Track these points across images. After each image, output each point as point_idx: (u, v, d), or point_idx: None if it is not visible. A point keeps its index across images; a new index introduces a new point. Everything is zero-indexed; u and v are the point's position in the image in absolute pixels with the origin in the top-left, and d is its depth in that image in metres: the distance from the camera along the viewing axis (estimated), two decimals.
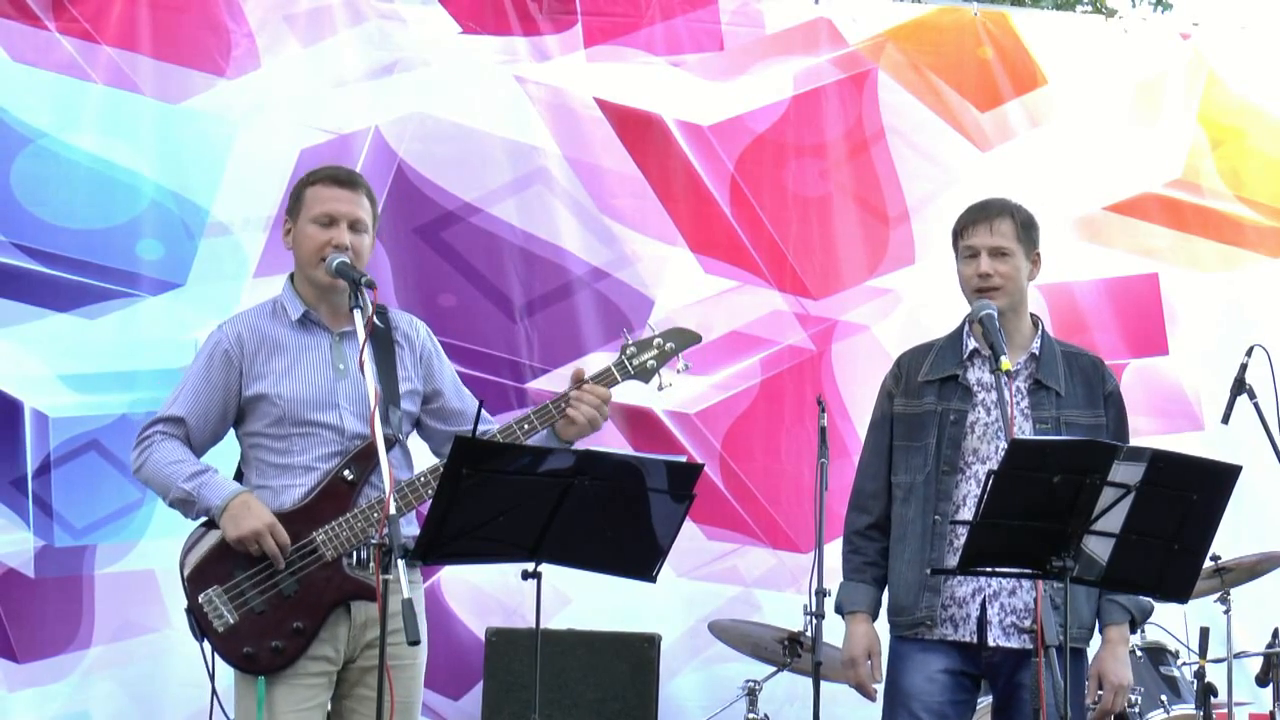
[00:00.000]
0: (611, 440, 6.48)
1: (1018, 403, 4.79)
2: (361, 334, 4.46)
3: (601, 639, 6.40)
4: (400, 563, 4.10)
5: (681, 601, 6.81)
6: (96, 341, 6.58)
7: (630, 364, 4.77)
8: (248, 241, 6.71)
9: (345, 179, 4.81)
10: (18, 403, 6.53)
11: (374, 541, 4.24)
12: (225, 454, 4.84)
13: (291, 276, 4.84)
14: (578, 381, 4.70)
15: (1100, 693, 4.75)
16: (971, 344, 4.87)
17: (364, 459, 4.65)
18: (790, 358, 7.05)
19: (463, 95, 6.97)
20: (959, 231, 4.89)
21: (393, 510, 4.20)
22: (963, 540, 4.65)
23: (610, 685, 6.32)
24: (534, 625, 4.54)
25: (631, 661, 6.35)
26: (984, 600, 4.72)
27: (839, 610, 4.92)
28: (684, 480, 4.51)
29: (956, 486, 4.77)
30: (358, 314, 4.50)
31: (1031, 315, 4.95)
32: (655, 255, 7.03)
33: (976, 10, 7.37)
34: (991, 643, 4.71)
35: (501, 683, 6.26)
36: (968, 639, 4.72)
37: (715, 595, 6.86)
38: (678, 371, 4.80)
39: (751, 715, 6.15)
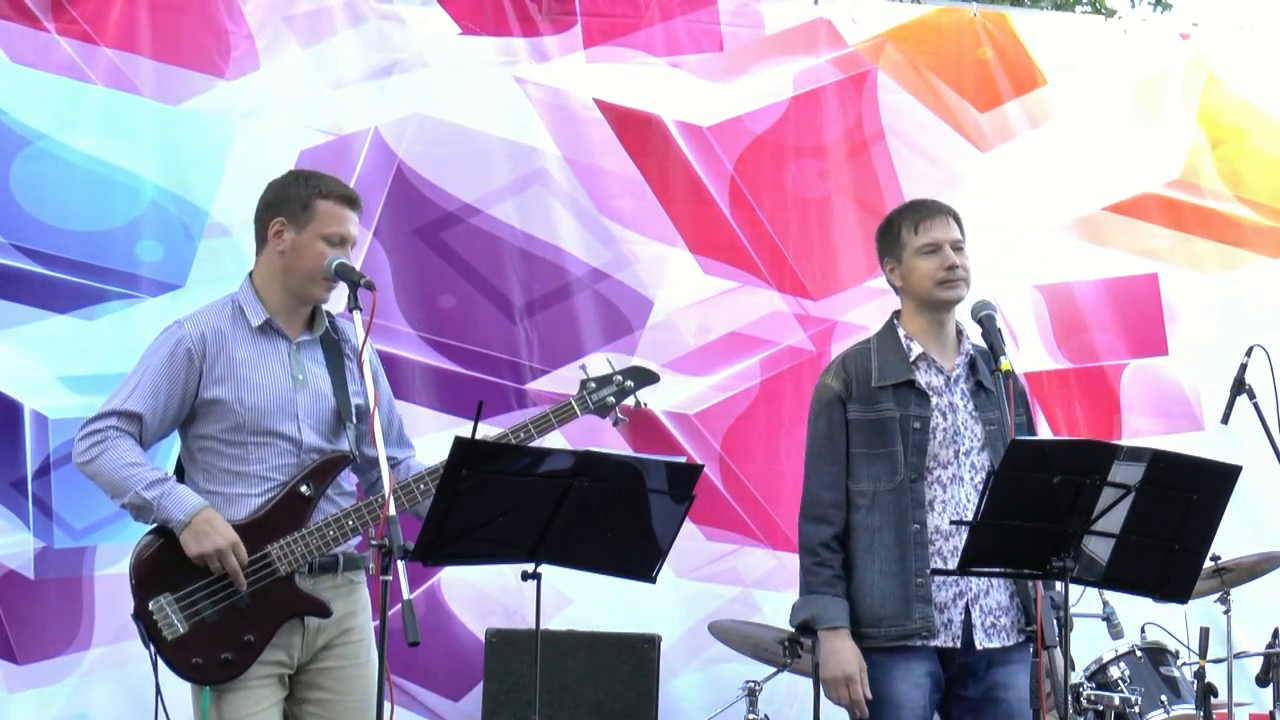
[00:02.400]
0: (611, 441, 6.47)
1: (966, 405, 4.78)
2: (361, 334, 4.46)
3: (601, 639, 6.40)
4: (400, 564, 4.11)
5: (681, 602, 6.81)
6: (96, 343, 6.58)
7: (590, 399, 4.89)
8: (247, 243, 6.61)
9: (356, 199, 4.75)
10: (17, 404, 6.53)
11: (374, 542, 4.23)
12: (164, 448, 4.81)
13: (251, 275, 4.77)
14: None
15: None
16: (916, 348, 4.81)
17: (321, 474, 4.63)
18: (790, 358, 7.05)
19: (462, 96, 6.96)
20: (909, 228, 4.81)
21: (392, 511, 4.21)
22: (938, 547, 4.67)
23: (610, 686, 6.32)
24: (534, 626, 4.54)
25: (631, 662, 6.35)
26: (967, 604, 4.70)
27: (807, 627, 4.77)
28: (684, 481, 4.51)
29: (924, 493, 4.72)
30: (358, 315, 4.48)
31: (955, 320, 4.90)
32: (655, 256, 7.03)
33: (976, 10, 7.37)
34: (979, 646, 4.69)
35: (501, 683, 6.26)
36: (951, 644, 4.68)
37: (715, 596, 6.85)
38: (634, 408, 4.95)
39: (751, 716, 6.14)
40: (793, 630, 4.98)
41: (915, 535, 4.68)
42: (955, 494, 4.71)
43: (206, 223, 6.70)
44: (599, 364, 5.06)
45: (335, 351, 4.73)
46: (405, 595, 4.08)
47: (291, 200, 4.69)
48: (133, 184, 6.67)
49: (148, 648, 4.55)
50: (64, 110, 6.67)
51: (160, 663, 4.54)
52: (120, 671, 6.45)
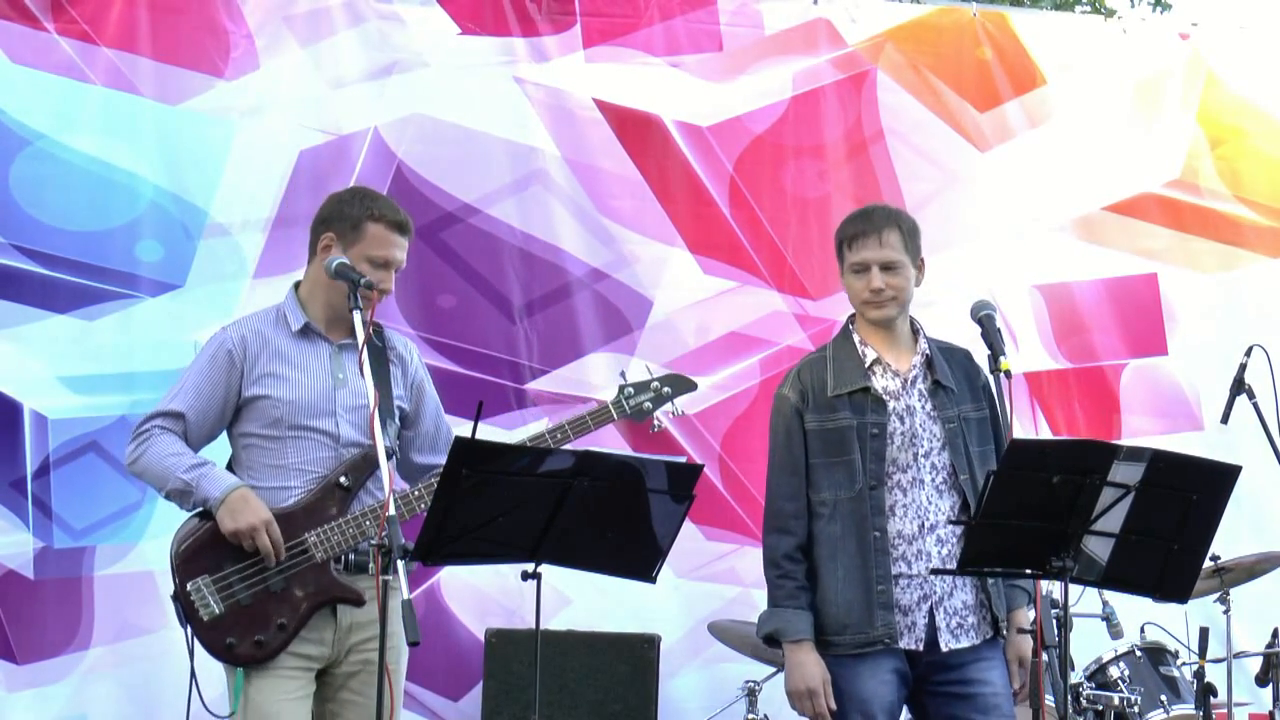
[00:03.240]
0: (611, 441, 6.47)
1: (923, 405, 4.77)
2: (360, 334, 4.47)
3: (601, 640, 6.40)
4: (401, 564, 4.12)
5: (681, 602, 6.82)
6: (96, 343, 6.58)
7: (627, 404, 5.00)
8: (247, 243, 6.71)
9: (405, 225, 4.84)
10: (17, 404, 6.53)
11: (373, 542, 4.25)
12: (216, 454, 4.85)
13: (296, 285, 4.88)
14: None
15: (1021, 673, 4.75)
16: (871, 353, 4.80)
17: (360, 467, 4.72)
18: (790, 358, 7.03)
19: (462, 96, 6.96)
20: (846, 243, 4.80)
21: (392, 511, 4.23)
22: (901, 552, 4.67)
23: (610, 686, 6.32)
24: (534, 626, 4.54)
25: (631, 662, 6.35)
26: (931, 607, 4.69)
27: (773, 639, 4.77)
28: (683, 481, 4.52)
29: (884, 499, 4.71)
30: (357, 314, 4.51)
31: (910, 317, 4.88)
32: (654, 256, 7.03)
33: (975, 10, 7.37)
34: (945, 647, 4.68)
35: (501, 683, 6.27)
36: (914, 646, 4.68)
37: (715, 596, 6.85)
38: (672, 415, 5.08)
39: (751, 716, 6.15)
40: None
41: (875, 542, 4.67)
42: (916, 497, 4.71)
43: (206, 223, 6.71)
44: (638, 369, 5.16)
45: (379, 357, 4.82)
46: (405, 595, 4.10)
47: (344, 218, 4.79)
48: (132, 184, 6.67)
49: (184, 628, 4.66)
50: (64, 110, 6.67)
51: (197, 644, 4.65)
52: (120, 671, 6.47)
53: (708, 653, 6.73)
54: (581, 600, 6.53)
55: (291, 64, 6.86)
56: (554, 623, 6.34)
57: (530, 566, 4.44)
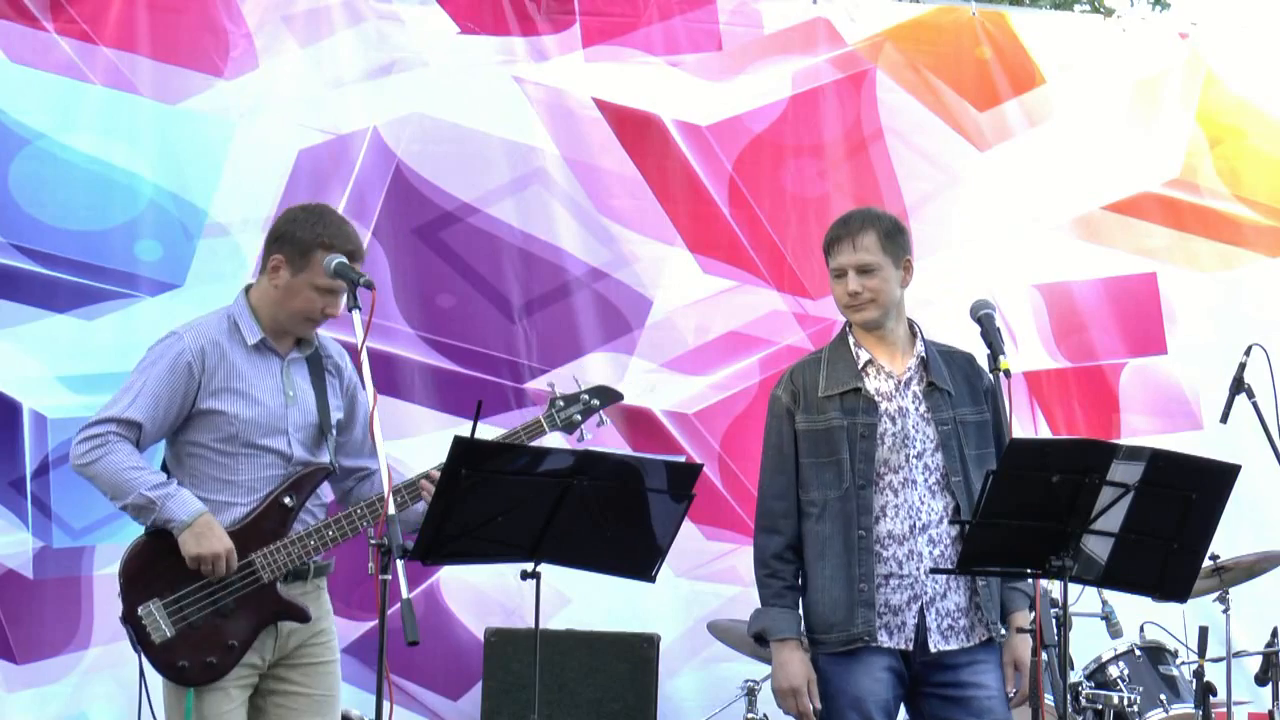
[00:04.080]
0: (611, 440, 6.47)
1: (917, 407, 4.78)
2: (360, 334, 4.47)
3: (601, 639, 6.40)
4: (399, 562, 4.13)
5: (681, 601, 6.82)
6: (95, 342, 6.58)
7: (558, 417, 5.09)
8: (246, 242, 6.71)
9: (357, 254, 4.78)
10: (16, 404, 6.53)
11: (373, 542, 4.26)
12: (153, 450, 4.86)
13: (248, 290, 4.86)
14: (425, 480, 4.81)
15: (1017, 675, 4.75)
16: (864, 354, 4.81)
17: (302, 486, 4.77)
18: (789, 358, 7.01)
19: (461, 95, 6.96)
20: (826, 249, 4.85)
21: (392, 510, 4.24)
22: (891, 552, 4.68)
23: (610, 685, 6.32)
24: (533, 625, 4.54)
25: (631, 661, 6.35)
26: (922, 607, 4.69)
27: (761, 638, 4.80)
28: (683, 480, 4.53)
29: (872, 499, 4.72)
30: (356, 314, 4.51)
31: (908, 320, 4.90)
32: (654, 255, 7.03)
33: (975, 10, 7.36)
34: (934, 649, 4.68)
35: (501, 683, 6.26)
36: (904, 646, 4.68)
37: (714, 595, 6.85)
38: (598, 425, 5.20)
39: (751, 715, 6.15)
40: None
41: (860, 542, 4.68)
42: (908, 497, 4.71)
43: (205, 222, 6.71)
44: (567, 382, 5.26)
45: (318, 367, 4.88)
46: (404, 595, 4.10)
47: (295, 242, 4.76)
48: (131, 183, 6.67)
49: (136, 651, 4.70)
50: (63, 110, 6.68)
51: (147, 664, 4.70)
52: (119, 671, 6.45)
53: (707, 652, 6.74)
54: (581, 600, 6.53)
55: (291, 63, 6.86)
56: (553, 622, 6.35)
57: (529, 566, 4.45)
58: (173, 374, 4.71)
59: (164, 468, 4.83)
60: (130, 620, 4.68)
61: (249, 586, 4.68)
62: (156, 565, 4.67)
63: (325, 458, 4.82)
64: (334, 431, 4.86)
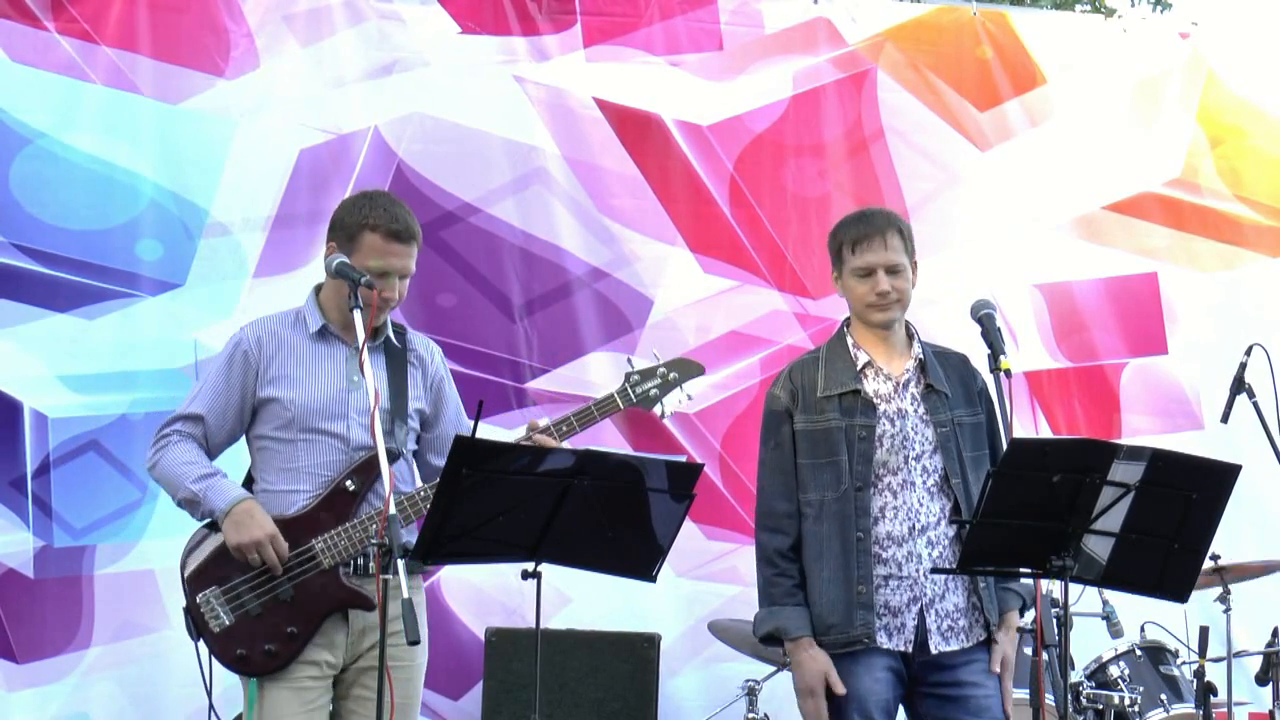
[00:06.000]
0: (611, 440, 6.48)
1: (916, 409, 4.77)
2: (361, 334, 4.48)
3: (601, 639, 6.40)
4: (401, 563, 4.12)
5: (681, 601, 6.82)
6: (96, 342, 6.58)
7: (633, 391, 4.91)
8: (247, 241, 6.71)
9: (404, 233, 4.79)
10: (17, 403, 6.53)
11: (374, 542, 4.25)
12: (237, 461, 4.88)
13: (318, 289, 4.88)
14: (533, 431, 4.76)
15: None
16: (863, 356, 4.80)
17: (367, 470, 4.71)
18: (790, 357, 6.97)
19: (462, 95, 6.96)
20: (848, 246, 4.77)
21: (393, 510, 4.24)
22: (891, 554, 4.68)
23: (610, 685, 6.33)
24: (534, 625, 4.54)
25: (631, 661, 6.35)
26: (921, 608, 4.69)
27: (772, 638, 4.76)
28: (684, 480, 4.52)
29: (871, 500, 4.71)
30: (357, 314, 4.51)
31: (905, 321, 4.89)
32: (654, 255, 7.03)
33: (976, 10, 7.37)
34: (934, 650, 4.68)
35: (501, 683, 6.27)
36: (903, 648, 4.68)
37: (715, 595, 6.85)
38: (679, 402, 4.94)
39: (751, 715, 6.15)
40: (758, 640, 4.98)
41: (858, 543, 4.67)
42: (907, 499, 4.70)
43: (206, 222, 6.71)
44: (646, 356, 5.06)
45: (398, 359, 4.84)
46: (404, 594, 4.10)
47: (343, 227, 4.80)
48: (132, 183, 6.67)
49: (195, 641, 4.68)
50: (64, 109, 6.67)
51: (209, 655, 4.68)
52: (120, 671, 6.46)
53: (708, 652, 6.74)
54: (581, 599, 6.53)
55: (291, 63, 6.86)
56: (554, 622, 6.35)
57: (530, 565, 4.44)
58: (230, 364, 4.76)
59: (248, 478, 4.82)
60: (190, 610, 4.66)
61: (309, 572, 4.64)
62: (215, 554, 4.66)
63: (395, 444, 4.71)
64: (413, 419, 4.81)
